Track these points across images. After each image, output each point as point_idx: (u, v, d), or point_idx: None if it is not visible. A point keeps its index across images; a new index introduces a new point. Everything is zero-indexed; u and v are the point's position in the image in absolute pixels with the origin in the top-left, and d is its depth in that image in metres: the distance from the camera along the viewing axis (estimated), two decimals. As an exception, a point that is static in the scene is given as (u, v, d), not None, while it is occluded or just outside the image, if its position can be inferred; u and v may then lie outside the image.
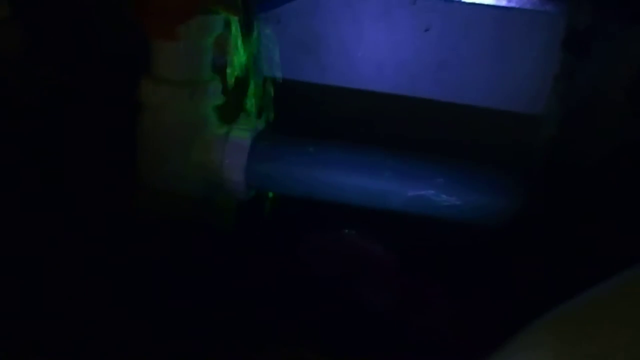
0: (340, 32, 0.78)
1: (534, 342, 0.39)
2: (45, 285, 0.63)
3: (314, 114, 0.82)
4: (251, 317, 0.64)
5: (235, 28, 0.67)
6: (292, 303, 0.65)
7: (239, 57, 0.70)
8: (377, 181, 0.66)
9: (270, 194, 0.73)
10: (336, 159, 0.68)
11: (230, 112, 0.70)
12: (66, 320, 0.60)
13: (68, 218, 0.70)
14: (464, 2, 0.73)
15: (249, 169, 0.66)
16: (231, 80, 0.70)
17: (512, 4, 0.71)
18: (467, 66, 0.76)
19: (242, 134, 0.67)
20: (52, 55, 0.75)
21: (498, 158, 0.74)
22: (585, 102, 0.70)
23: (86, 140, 0.74)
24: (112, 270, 0.66)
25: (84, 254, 0.67)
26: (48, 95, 0.75)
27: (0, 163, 0.71)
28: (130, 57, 0.72)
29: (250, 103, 0.70)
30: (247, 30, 0.68)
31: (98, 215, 0.71)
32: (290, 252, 0.70)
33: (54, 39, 0.75)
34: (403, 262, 0.67)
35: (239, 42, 0.68)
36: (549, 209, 0.66)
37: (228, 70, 0.69)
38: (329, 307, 0.65)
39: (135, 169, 0.68)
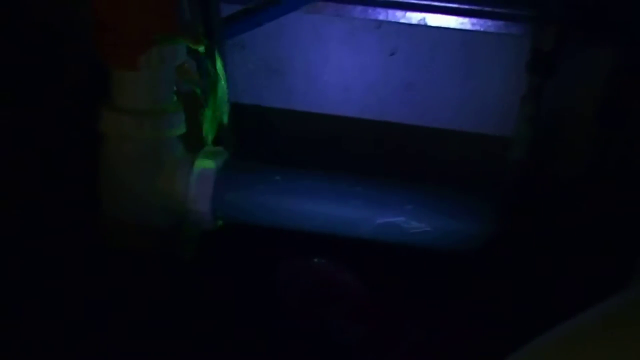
0: (306, 56, 0.78)
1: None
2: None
3: (280, 138, 0.81)
4: (217, 347, 0.62)
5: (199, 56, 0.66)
6: (259, 332, 0.64)
7: (202, 84, 0.69)
8: (345, 209, 0.65)
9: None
10: (304, 187, 0.66)
11: (195, 140, 0.68)
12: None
13: (28, 250, 0.68)
14: (430, 26, 0.72)
15: (215, 198, 0.65)
16: (195, 109, 0.69)
17: (477, 27, 0.71)
18: (434, 89, 0.76)
19: (207, 163, 0.66)
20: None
21: (467, 180, 0.74)
22: (553, 122, 0.70)
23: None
24: (72, 300, 0.63)
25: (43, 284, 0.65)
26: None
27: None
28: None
29: (208, 130, 0.69)
30: (210, 57, 0.67)
31: (59, 246, 0.69)
32: (258, 280, 0.69)
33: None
34: (373, 290, 0.66)
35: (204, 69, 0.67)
36: (518, 231, 0.66)
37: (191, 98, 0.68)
38: (298, 337, 0.64)
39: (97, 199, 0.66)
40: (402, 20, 0.72)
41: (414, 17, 0.72)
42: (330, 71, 0.78)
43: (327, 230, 0.66)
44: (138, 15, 0.57)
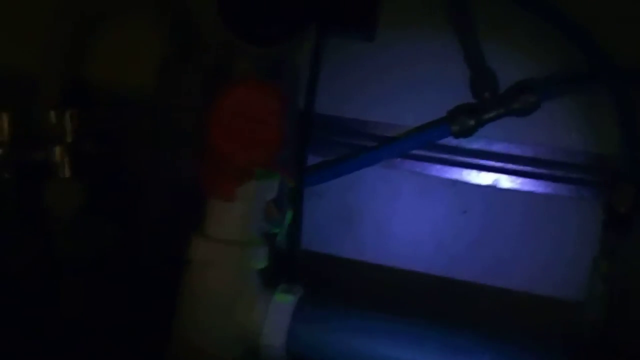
0: (379, 209, 0.82)
1: None
2: None
3: (347, 289, 0.82)
4: None
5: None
6: None
7: (285, 224, 0.73)
8: (420, 355, 0.65)
9: None
10: (379, 328, 0.67)
11: (274, 276, 0.71)
12: None
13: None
14: (502, 188, 0.77)
15: (290, 333, 0.65)
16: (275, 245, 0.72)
17: (549, 190, 0.75)
18: (504, 249, 0.78)
19: (285, 298, 0.67)
20: (108, 216, 0.79)
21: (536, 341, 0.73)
22: (626, 284, 0.71)
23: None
24: None
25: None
26: (102, 254, 0.77)
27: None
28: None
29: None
30: (296, 200, 0.71)
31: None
32: None
33: (110, 200, 0.79)
34: None
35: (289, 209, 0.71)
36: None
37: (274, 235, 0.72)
38: None
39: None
40: (476, 181, 0.77)
41: (488, 177, 0.77)
42: (401, 225, 0.81)
43: (401, 375, 0.65)
44: (248, 150, 0.62)
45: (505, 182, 0.76)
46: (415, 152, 0.78)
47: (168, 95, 0.78)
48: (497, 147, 0.76)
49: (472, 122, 0.73)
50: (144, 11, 0.80)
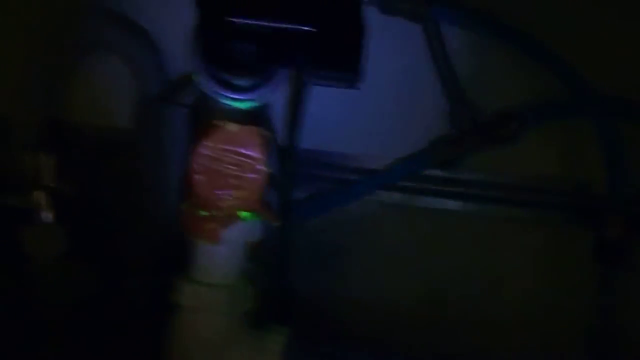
0: (365, 244, 0.81)
1: None
2: None
3: (333, 323, 0.81)
4: None
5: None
6: None
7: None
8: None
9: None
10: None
11: (260, 317, 0.70)
12: None
13: None
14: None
15: (281, 376, 0.65)
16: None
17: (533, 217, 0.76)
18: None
19: (275, 338, 0.67)
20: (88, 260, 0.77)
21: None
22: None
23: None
24: None
25: None
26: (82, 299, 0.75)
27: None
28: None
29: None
30: (282, 238, 0.71)
31: None
32: None
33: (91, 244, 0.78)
34: None
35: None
36: None
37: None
38: None
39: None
40: (456, 208, 0.77)
41: (470, 206, 0.77)
42: (387, 259, 0.81)
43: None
44: (231, 194, 0.61)
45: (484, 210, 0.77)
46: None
47: (147, 135, 0.77)
48: (479, 176, 0.77)
49: (453, 153, 0.74)
50: (123, 48, 0.79)
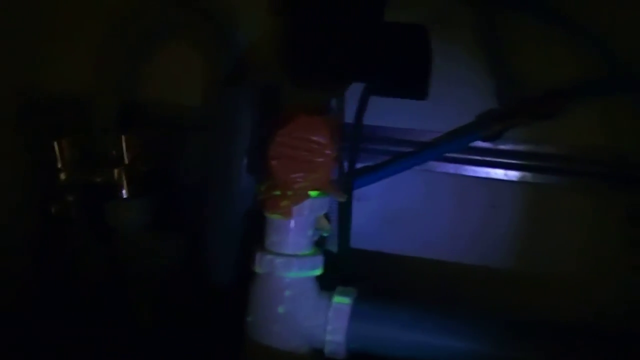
0: (417, 210, 0.89)
1: None
2: None
3: (393, 281, 0.89)
4: None
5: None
6: None
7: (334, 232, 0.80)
8: (473, 342, 0.72)
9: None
10: (427, 319, 0.74)
11: (329, 281, 0.78)
12: None
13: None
14: (528, 182, 0.84)
15: (349, 331, 0.73)
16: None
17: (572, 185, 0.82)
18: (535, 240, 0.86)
19: (342, 299, 0.75)
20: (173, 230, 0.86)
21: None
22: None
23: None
24: None
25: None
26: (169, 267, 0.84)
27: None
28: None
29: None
30: (345, 210, 0.79)
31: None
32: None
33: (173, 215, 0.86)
34: None
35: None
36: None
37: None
38: None
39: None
40: (503, 178, 0.84)
41: (514, 174, 0.84)
42: (437, 222, 0.89)
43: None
44: (304, 177, 0.69)
45: (532, 177, 0.83)
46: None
47: (220, 116, 0.84)
48: (522, 147, 0.84)
49: (499, 127, 0.80)
50: (194, 32, 0.85)
